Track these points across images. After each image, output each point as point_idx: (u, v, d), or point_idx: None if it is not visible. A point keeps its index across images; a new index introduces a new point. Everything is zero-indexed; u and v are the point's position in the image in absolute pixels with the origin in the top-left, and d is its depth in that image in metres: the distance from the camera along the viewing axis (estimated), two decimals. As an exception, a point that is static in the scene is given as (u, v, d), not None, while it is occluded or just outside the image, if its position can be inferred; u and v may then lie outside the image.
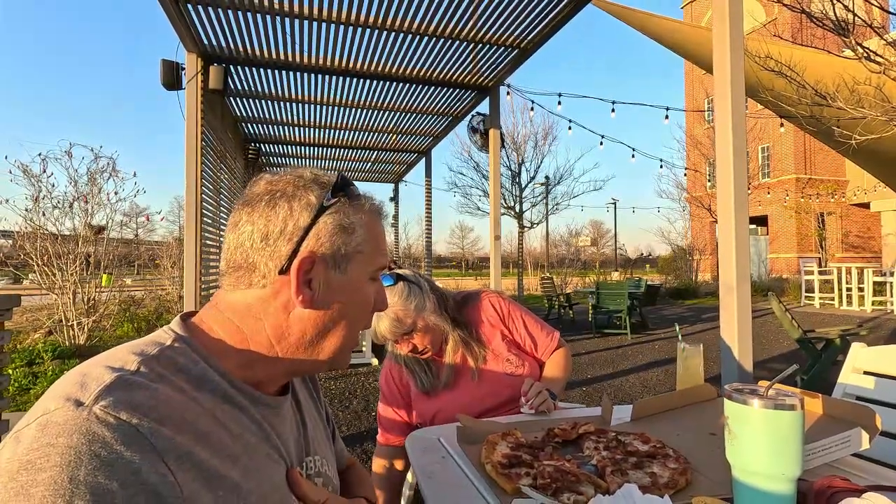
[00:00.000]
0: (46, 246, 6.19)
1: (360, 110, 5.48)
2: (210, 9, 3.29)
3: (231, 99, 5.15)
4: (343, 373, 5.01)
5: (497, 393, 1.43)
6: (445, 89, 4.73)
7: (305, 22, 3.50)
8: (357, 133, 6.44)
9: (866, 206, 19.93)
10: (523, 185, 17.04)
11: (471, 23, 3.52)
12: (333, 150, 7.18)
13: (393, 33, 3.67)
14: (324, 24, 3.54)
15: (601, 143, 9.02)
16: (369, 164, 8.15)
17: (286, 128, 6.23)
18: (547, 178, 18.54)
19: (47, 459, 0.41)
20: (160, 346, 0.54)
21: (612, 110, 7.49)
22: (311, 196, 0.60)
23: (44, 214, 6.44)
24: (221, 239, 4.31)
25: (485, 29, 3.61)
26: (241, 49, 3.90)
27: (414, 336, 1.40)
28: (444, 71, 4.33)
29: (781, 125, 9.91)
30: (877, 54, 3.43)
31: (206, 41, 3.73)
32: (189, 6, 3.24)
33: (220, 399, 0.54)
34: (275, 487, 0.57)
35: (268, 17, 3.42)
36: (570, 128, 9.31)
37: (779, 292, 13.01)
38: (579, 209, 47.42)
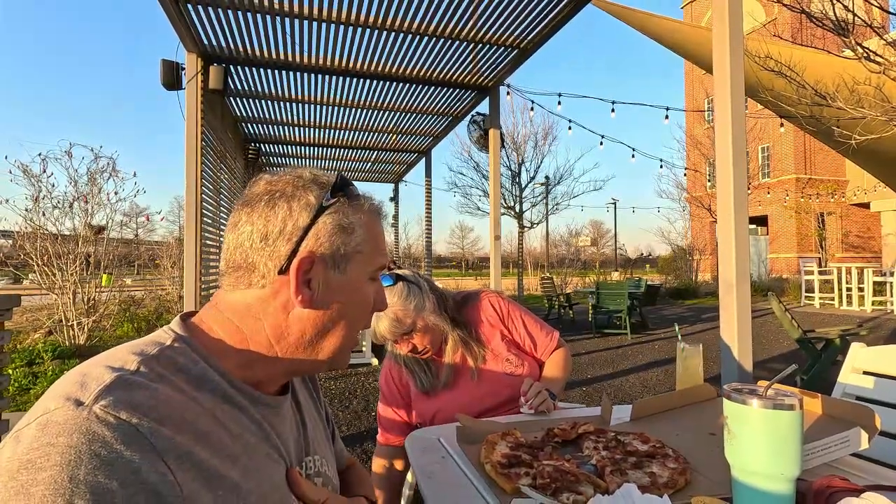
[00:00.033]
0: (46, 246, 6.19)
1: (360, 110, 5.48)
2: (210, 9, 3.29)
3: (231, 99, 5.15)
4: (343, 373, 5.01)
5: (496, 393, 1.43)
6: (445, 89, 4.73)
7: (305, 22, 3.50)
8: (357, 133, 6.44)
9: (866, 206, 19.93)
10: (523, 185, 17.03)
11: (471, 23, 3.52)
12: (333, 150, 7.18)
13: (393, 33, 3.68)
14: (324, 24, 3.54)
15: (601, 143, 9.01)
16: (369, 164, 8.15)
17: (286, 128, 6.23)
18: (547, 178, 18.53)
19: (47, 459, 0.41)
20: (160, 346, 0.54)
21: (612, 110, 7.49)
22: (310, 196, 0.60)
23: (44, 214, 6.45)
24: (221, 239, 4.31)
25: (485, 29, 3.61)
26: (241, 49, 3.90)
27: (413, 336, 1.40)
28: (444, 71, 4.33)
29: (781, 125, 9.91)
30: (877, 54, 3.43)
31: (206, 41, 3.73)
32: (189, 6, 3.24)
33: (219, 399, 0.54)
34: (274, 487, 0.57)
35: (268, 17, 3.42)
36: (570, 128, 9.32)
37: (779, 292, 13.00)
38: (579, 209, 47.48)
